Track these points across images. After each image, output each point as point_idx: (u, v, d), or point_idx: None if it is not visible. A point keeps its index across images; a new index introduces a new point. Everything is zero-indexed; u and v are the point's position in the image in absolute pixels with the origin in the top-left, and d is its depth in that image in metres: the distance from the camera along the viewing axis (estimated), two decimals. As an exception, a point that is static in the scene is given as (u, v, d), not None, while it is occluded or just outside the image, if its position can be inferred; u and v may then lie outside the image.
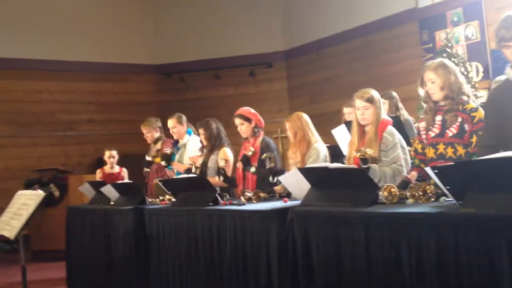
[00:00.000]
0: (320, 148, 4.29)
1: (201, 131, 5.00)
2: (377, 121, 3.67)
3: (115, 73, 10.75)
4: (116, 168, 6.82)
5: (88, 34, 10.33)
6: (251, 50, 10.49)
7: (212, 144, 4.93)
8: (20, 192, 3.48)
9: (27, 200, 3.27)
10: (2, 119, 9.55)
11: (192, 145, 5.39)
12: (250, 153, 4.48)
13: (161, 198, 4.78)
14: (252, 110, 4.72)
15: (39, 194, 3.24)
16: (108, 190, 5.13)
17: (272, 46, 10.50)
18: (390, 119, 3.81)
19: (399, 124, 4.32)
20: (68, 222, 5.90)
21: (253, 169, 4.44)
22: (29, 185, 7.87)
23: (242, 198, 3.95)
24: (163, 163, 5.37)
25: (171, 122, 5.50)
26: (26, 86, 9.82)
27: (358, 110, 3.70)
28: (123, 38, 10.77)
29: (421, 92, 3.42)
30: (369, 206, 2.71)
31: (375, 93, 3.72)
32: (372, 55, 8.88)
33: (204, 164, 4.95)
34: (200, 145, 5.13)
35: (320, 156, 4.22)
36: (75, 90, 10.33)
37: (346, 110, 5.36)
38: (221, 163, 4.63)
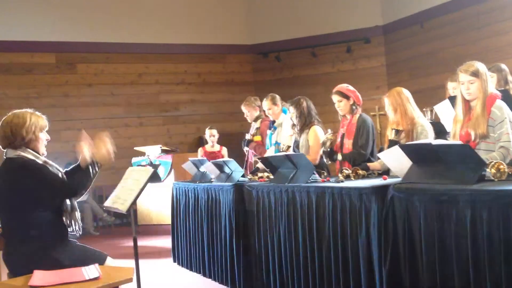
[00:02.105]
0: (426, 124, 4.13)
1: (291, 109, 4.99)
2: (484, 96, 3.46)
3: (213, 54, 11.02)
4: (217, 147, 7.03)
5: (188, 17, 10.66)
6: (348, 25, 10.27)
7: (303, 123, 4.92)
8: (131, 168, 3.71)
9: (137, 176, 3.47)
10: (114, 101, 10.18)
11: (288, 124, 5.41)
12: (329, 135, 4.41)
13: (259, 175, 4.88)
14: (351, 87, 4.64)
15: (149, 169, 3.43)
16: (210, 168, 5.32)
17: (370, 21, 10.20)
18: (498, 93, 3.59)
19: (508, 98, 4.05)
20: (173, 197, 6.21)
21: (339, 157, 4.41)
22: (136, 164, 8.34)
23: (340, 175, 3.93)
24: None
25: (265, 104, 5.56)
26: (134, 69, 10.37)
27: (462, 84, 3.52)
28: (221, 19, 10.98)
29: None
30: (475, 184, 2.59)
31: (481, 66, 3.51)
32: (479, 26, 8.36)
33: (296, 142, 4.97)
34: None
35: (429, 132, 4.06)
36: (177, 72, 10.75)
37: (450, 85, 5.11)
38: (328, 135, 4.57)
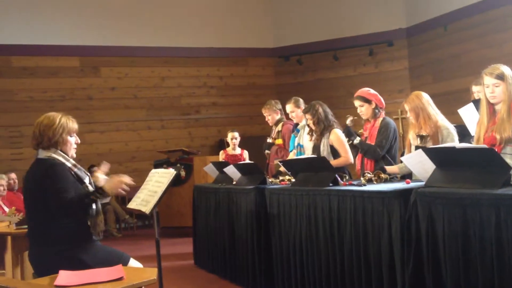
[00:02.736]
0: (451, 127, 4.08)
1: (307, 116, 4.95)
2: (509, 99, 3.41)
3: (235, 58, 11.07)
4: (238, 150, 7.04)
5: (210, 21, 10.73)
6: (370, 28, 10.22)
7: (322, 128, 4.90)
8: (153, 170, 3.74)
9: (160, 178, 3.50)
10: (137, 104, 10.30)
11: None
12: (348, 121, 4.43)
13: (281, 178, 4.88)
14: (372, 91, 4.61)
15: (171, 172, 3.45)
16: (231, 171, 5.34)
17: (393, 24, 10.14)
18: (524, 96, 3.52)
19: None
20: (194, 200, 6.25)
21: (357, 140, 4.41)
22: (158, 166, 8.40)
23: (362, 179, 3.91)
24: None
25: (289, 107, 5.56)
26: (157, 72, 10.48)
27: (487, 87, 3.47)
28: (243, 23, 11.03)
29: None
30: (500, 188, 2.56)
31: (506, 69, 3.46)
32: (504, 28, 8.24)
33: (316, 147, 4.95)
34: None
35: (454, 135, 4.01)
36: (200, 75, 10.83)
37: (475, 88, 5.04)
38: (348, 121, 4.57)
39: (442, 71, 9.28)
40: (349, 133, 4.44)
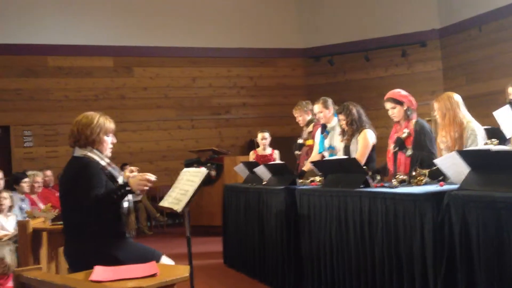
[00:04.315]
0: (476, 127, 4.01)
1: (341, 117, 4.94)
2: (547, 101, 3.34)
3: (266, 58, 11.10)
4: (269, 150, 7.05)
5: (241, 21, 10.79)
6: (403, 29, 10.11)
7: (354, 128, 4.87)
8: (185, 169, 3.79)
9: (191, 177, 3.55)
10: (168, 103, 10.43)
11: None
12: (404, 135, 4.33)
13: (311, 179, 4.88)
14: (403, 92, 4.54)
15: (203, 171, 3.49)
16: (261, 171, 5.36)
17: (426, 24, 10.01)
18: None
19: None
20: (224, 199, 6.29)
21: (409, 152, 4.28)
22: (188, 165, 8.48)
23: (394, 180, 3.87)
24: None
25: (317, 107, 5.51)
26: (188, 72, 10.60)
27: (524, 89, 3.41)
28: (273, 23, 11.05)
29: None
30: (537, 192, 2.51)
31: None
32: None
33: (347, 148, 4.93)
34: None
35: (478, 136, 3.94)
36: (230, 75, 10.89)
37: (511, 90, 4.94)
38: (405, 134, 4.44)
39: (476, 73, 9.12)
40: (401, 145, 4.34)
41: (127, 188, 2.97)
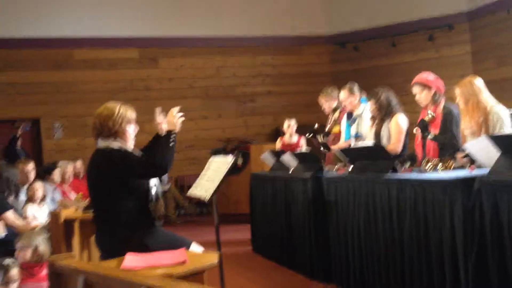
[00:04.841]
0: (501, 111, 3.92)
1: (370, 103, 4.90)
2: None
3: (290, 46, 11.04)
4: (295, 138, 7.04)
5: (265, 9, 10.73)
6: (429, 12, 9.91)
7: (383, 115, 4.81)
8: (212, 158, 3.81)
9: (218, 166, 3.57)
10: (193, 94, 10.48)
11: (368, 114, 5.32)
12: (428, 117, 4.26)
13: (337, 166, 4.85)
14: (431, 76, 4.46)
15: (229, 160, 3.51)
16: (288, 159, 5.36)
17: (454, 7, 9.79)
18: None
19: None
20: (251, 188, 6.32)
21: (431, 136, 4.23)
22: (215, 154, 8.51)
23: (423, 166, 3.82)
24: None
25: (343, 94, 5.46)
26: (212, 62, 10.62)
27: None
28: (297, 11, 10.96)
29: None
30: None
31: None
32: None
33: (377, 134, 4.88)
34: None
35: (504, 119, 3.86)
36: (254, 64, 10.87)
37: None
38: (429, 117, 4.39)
39: (506, 56, 8.90)
40: (424, 128, 4.29)
41: (172, 133, 3.10)
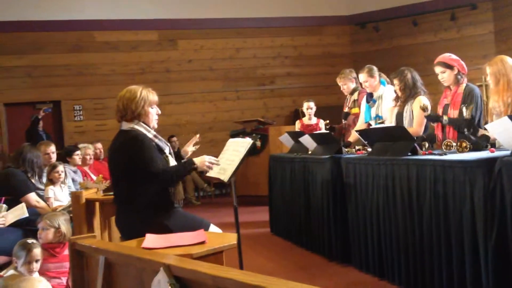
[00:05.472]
0: None
1: (395, 81, 4.83)
2: None
3: (309, 27, 10.94)
4: (314, 119, 7.01)
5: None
6: (452, -9, 9.73)
7: (407, 94, 4.76)
8: (231, 140, 3.81)
9: (237, 147, 3.57)
10: (213, 75, 10.49)
11: (388, 96, 5.27)
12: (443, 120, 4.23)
13: (357, 147, 4.83)
14: (454, 56, 4.40)
15: (248, 141, 3.51)
16: (307, 140, 5.34)
17: (477, -15, 9.59)
18: None
19: None
20: (270, 169, 6.32)
21: (445, 120, 4.18)
22: (234, 136, 8.53)
23: (443, 147, 3.79)
24: None
25: (362, 76, 5.40)
26: (232, 43, 10.58)
27: None
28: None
29: None
30: None
31: None
32: None
33: (399, 114, 4.83)
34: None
35: None
36: (274, 45, 10.81)
37: None
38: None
39: (531, 35, 8.71)
40: (436, 117, 4.26)
41: (194, 166, 3.19)
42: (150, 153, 3.05)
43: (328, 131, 5.73)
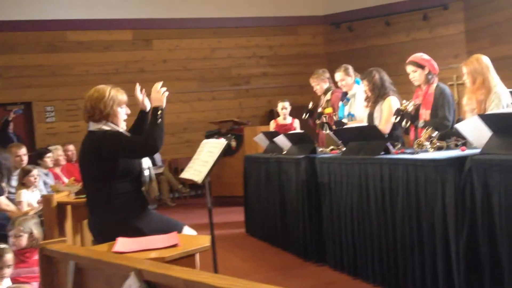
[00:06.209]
0: (501, 92, 3.91)
1: (364, 83, 4.88)
2: None
3: (285, 26, 10.95)
4: (289, 119, 7.03)
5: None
6: (424, -8, 9.85)
7: (377, 95, 4.81)
8: (205, 141, 3.80)
9: (211, 148, 3.56)
10: (187, 76, 10.41)
11: (361, 95, 5.31)
12: (408, 106, 4.28)
13: (331, 147, 4.86)
14: (425, 56, 4.47)
15: (222, 142, 3.50)
16: (281, 140, 5.35)
17: (448, -14, 9.73)
18: None
19: None
20: (245, 170, 6.32)
21: (421, 124, 4.24)
22: (209, 137, 8.51)
23: (415, 147, 3.83)
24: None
25: (338, 75, 5.46)
26: (207, 43, 10.53)
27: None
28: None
29: None
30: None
31: None
32: None
33: (370, 115, 4.87)
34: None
35: (502, 101, 3.86)
36: (249, 45, 10.80)
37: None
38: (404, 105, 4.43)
39: (501, 35, 8.86)
40: (412, 118, 4.30)
41: (157, 108, 3.06)
42: (123, 137, 3.02)
43: (302, 131, 5.73)
